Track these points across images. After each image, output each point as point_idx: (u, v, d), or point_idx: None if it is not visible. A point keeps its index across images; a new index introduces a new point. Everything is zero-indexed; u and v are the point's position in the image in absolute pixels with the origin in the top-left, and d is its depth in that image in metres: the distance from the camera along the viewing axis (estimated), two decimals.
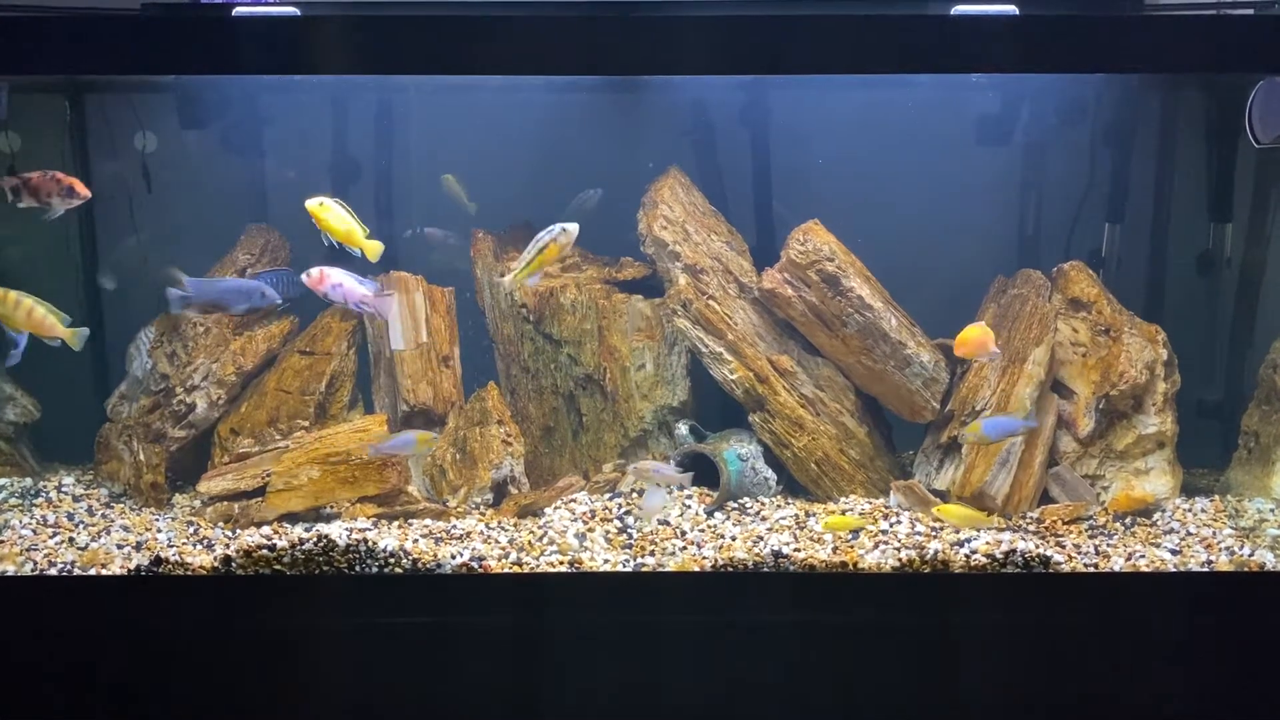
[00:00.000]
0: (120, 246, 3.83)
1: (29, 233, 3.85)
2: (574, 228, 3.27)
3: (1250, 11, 3.26)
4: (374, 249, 3.22)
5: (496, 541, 3.23)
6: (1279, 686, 3.07)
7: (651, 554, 3.16)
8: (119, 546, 3.22)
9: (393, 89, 3.82)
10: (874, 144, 3.75)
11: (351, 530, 3.19)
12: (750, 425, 3.60)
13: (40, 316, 3.17)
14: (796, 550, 3.13)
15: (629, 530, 3.30)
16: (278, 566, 3.10)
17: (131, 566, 3.10)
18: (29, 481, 3.72)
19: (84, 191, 3.18)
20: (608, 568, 3.10)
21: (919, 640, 3.05)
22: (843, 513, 3.38)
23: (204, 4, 3.50)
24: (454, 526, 3.32)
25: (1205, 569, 3.12)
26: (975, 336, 3.30)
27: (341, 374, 3.65)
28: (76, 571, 3.10)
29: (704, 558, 3.13)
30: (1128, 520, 3.40)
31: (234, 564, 3.09)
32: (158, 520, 3.42)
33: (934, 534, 3.26)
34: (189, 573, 3.08)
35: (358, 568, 3.10)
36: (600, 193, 3.73)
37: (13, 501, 3.57)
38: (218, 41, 2.97)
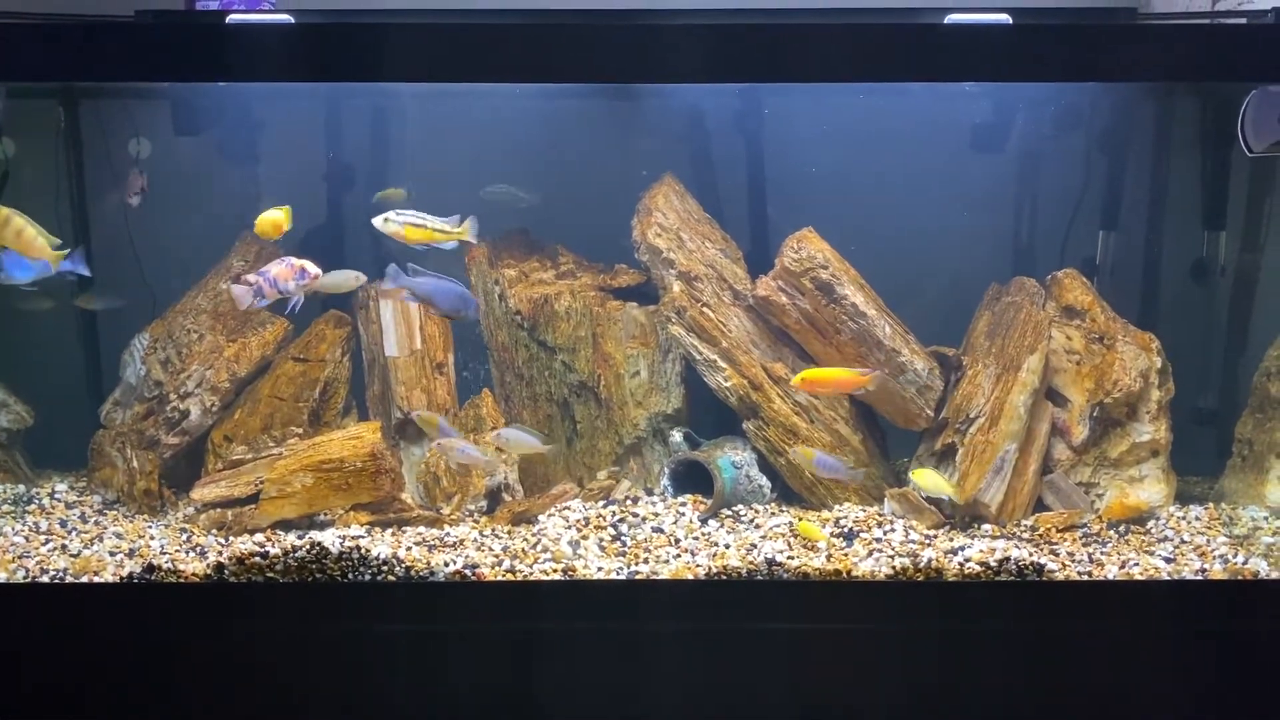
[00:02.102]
0: None
1: None
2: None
3: (1243, 21, 3.27)
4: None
5: (490, 549, 3.22)
6: (1273, 694, 3.07)
7: (645, 562, 3.16)
8: (112, 554, 3.21)
9: (387, 95, 3.82)
10: (868, 152, 3.75)
11: (345, 538, 3.18)
12: (744, 432, 3.59)
13: (31, 237, 3.13)
14: (790, 558, 3.13)
15: (623, 538, 3.30)
16: (271, 574, 3.09)
17: (124, 574, 3.10)
18: (22, 488, 3.71)
19: (314, 270, 3.26)
20: (601, 576, 3.10)
21: (913, 649, 3.04)
22: (823, 524, 3.38)
23: (198, 11, 3.50)
24: (447, 534, 3.32)
25: (1199, 577, 3.12)
26: (832, 380, 3.36)
27: (335, 381, 3.65)
28: (69, 579, 3.10)
29: (698, 566, 3.13)
30: (1122, 528, 3.40)
31: (227, 571, 3.08)
32: (151, 527, 3.41)
33: (928, 542, 3.26)
34: (182, 580, 3.07)
35: (351, 575, 3.10)
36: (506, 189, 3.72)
37: (6, 508, 3.56)
38: (212, 49, 2.98)
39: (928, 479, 3.34)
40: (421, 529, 3.35)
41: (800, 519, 3.39)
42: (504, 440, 3.41)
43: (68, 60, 2.99)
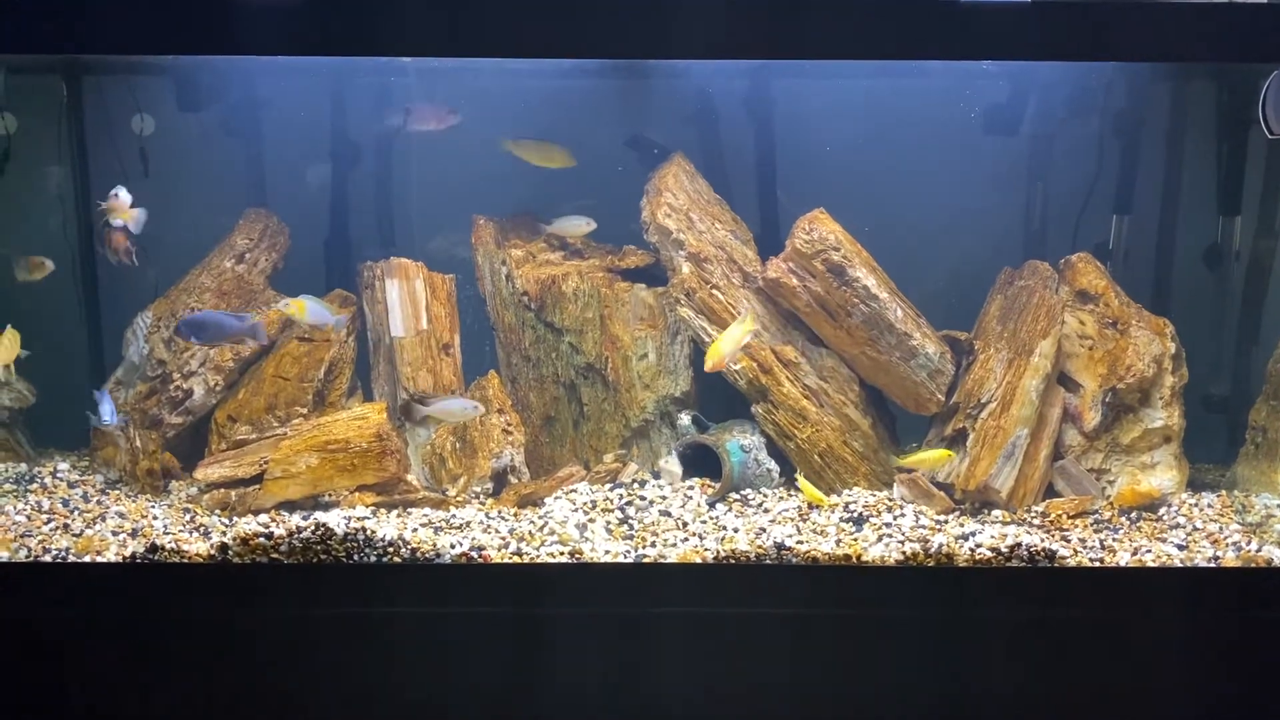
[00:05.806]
0: None
1: (23, 218, 3.83)
2: None
3: (1264, 0, 3.22)
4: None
5: (496, 531, 3.19)
6: None
7: (653, 545, 3.13)
8: (114, 534, 3.18)
9: (394, 72, 3.77)
10: (880, 133, 3.71)
11: (350, 519, 3.15)
12: (753, 416, 3.56)
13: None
14: (799, 543, 3.10)
15: (630, 521, 3.27)
16: (275, 555, 3.07)
17: (127, 554, 3.07)
18: (24, 467, 3.68)
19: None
20: (608, 559, 3.07)
21: (923, 635, 3.02)
22: (832, 509, 3.35)
23: None
24: (453, 516, 3.29)
25: (1212, 564, 3.09)
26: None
27: (340, 361, 3.61)
28: (71, 558, 3.07)
29: (706, 549, 3.10)
30: (1133, 515, 3.38)
31: (231, 552, 3.06)
32: (153, 507, 3.38)
33: (939, 527, 3.23)
34: (185, 561, 3.04)
35: (356, 557, 3.07)
36: None
37: (7, 487, 3.54)
38: (217, 21, 2.93)
39: (928, 460, 3.34)
40: (427, 511, 3.32)
41: (810, 493, 3.35)
42: (443, 409, 3.41)
43: (70, 32, 2.95)
